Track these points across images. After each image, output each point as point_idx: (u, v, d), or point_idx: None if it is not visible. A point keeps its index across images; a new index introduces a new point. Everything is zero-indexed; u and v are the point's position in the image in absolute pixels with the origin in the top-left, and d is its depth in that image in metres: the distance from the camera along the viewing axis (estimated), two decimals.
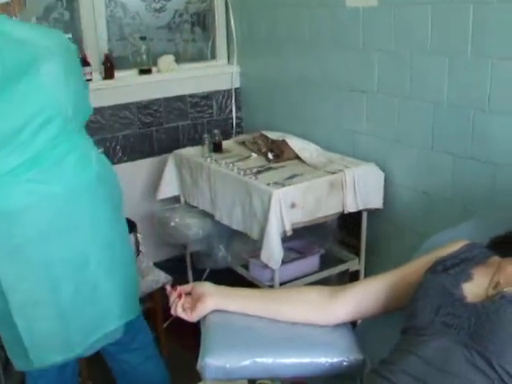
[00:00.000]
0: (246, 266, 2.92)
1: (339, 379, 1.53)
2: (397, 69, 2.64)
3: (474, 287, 1.40)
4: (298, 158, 2.92)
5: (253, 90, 3.59)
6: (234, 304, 1.66)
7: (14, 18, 2.00)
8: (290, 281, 2.75)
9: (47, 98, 1.84)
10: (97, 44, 3.42)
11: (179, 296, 1.66)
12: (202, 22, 3.76)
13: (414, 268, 1.61)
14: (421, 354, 1.31)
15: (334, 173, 2.68)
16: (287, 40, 3.27)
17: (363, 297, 1.62)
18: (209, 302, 1.64)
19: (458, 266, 1.49)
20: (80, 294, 2.01)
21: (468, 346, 1.27)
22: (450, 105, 2.44)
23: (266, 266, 2.61)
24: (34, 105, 1.81)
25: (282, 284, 2.68)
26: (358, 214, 2.82)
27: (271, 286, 2.68)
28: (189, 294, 1.69)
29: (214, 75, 3.70)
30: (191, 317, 1.65)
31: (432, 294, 1.41)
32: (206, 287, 1.69)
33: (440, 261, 1.53)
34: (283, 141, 2.97)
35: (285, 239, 2.58)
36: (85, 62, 3.28)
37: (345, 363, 1.53)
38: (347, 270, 2.91)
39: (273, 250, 2.50)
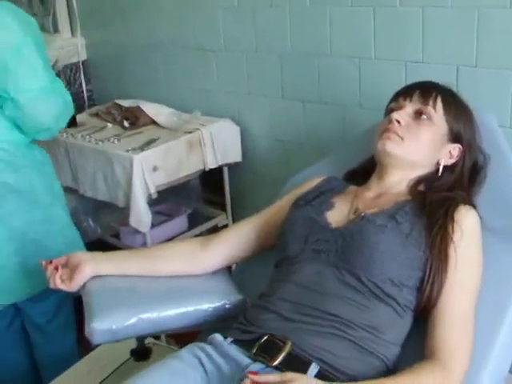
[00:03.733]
0: (116, 236, 2.92)
1: (226, 321, 1.59)
2: (241, 24, 2.70)
3: (336, 214, 1.52)
4: (154, 122, 2.93)
5: (101, 60, 3.52)
6: (111, 267, 1.69)
7: None
8: (163, 242, 2.77)
9: None
10: None
11: (56, 268, 1.66)
12: None
13: (279, 207, 1.71)
14: (296, 280, 1.42)
15: (190, 132, 2.72)
16: (131, 6, 3.24)
17: (233, 241, 1.71)
18: (86, 269, 1.66)
19: (319, 197, 1.61)
20: None
21: (338, 267, 1.39)
22: (295, 54, 2.53)
23: (136, 232, 2.64)
24: None
25: None
26: (219, 170, 2.89)
27: None
28: (65, 265, 1.70)
29: (59, 49, 3.59)
30: (70, 286, 1.66)
31: (299, 226, 1.51)
32: (82, 255, 1.71)
33: (301, 196, 1.64)
34: (137, 107, 2.97)
35: (151, 204, 2.60)
36: None
37: (227, 305, 1.61)
38: (216, 225, 2.98)
39: (141, 214, 2.52)
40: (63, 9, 3.64)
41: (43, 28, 3.64)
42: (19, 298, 2.29)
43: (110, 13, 3.39)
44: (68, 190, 2.91)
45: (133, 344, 1.84)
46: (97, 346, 1.95)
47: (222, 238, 1.72)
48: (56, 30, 3.68)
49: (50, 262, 1.68)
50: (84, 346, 2.35)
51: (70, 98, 2.23)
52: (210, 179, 2.98)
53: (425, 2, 2.11)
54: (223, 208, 3.02)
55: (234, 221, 3.00)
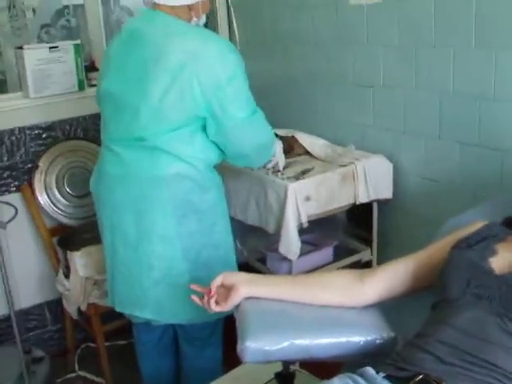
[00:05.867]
0: (261, 260, 2.98)
1: (373, 357, 1.60)
2: (402, 62, 2.71)
3: (500, 261, 1.50)
4: (307, 153, 3.00)
5: (258, 89, 3.61)
6: (265, 290, 1.74)
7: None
8: (307, 272, 2.80)
9: None
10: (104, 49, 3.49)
11: (209, 293, 1.75)
12: (205, 24, 3.80)
13: (438, 248, 1.70)
14: (455, 324, 1.40)
15: (344, 165, 2.76)
16: (291, 39, 3.34)
17: (392, 278, 1.70)
18: (242, 289, 1.72)
19: (481, 242, 1.59)
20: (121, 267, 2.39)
21: (501, 315, 1.36)
22: (456, 95, 2.52)
23: (283, 259, 2.68)
24: None
25: None
26: (368, 205, 2.89)
27: None
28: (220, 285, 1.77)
29: None
30: (225, 307, 1.74)
31: (461, 268, 1.50)
32: (238, 276, 1.78)
33: (463, 239, 1.63)
34: (292, 137, 3.04)
35: (299, 233, 2.63)
36: (93, 68, 3.36)
37: (378, 341, 1.62)
38: (360, 260, 2.98)
39: (291, 242, 2.57)
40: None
41: None
42: (181, 320, 2.41)
43: (270, 44, 3.51)
44: None
45: (277, 367, 1.88)
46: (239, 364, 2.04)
47: (380, 274, 1.73)
48: None
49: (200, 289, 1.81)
50: (227, 364, 2.46)
51: (268, 130, 2.43)
52: (356, 213, 2.99)
53: None
54: (368, 243, 3.01)
55: (379, 257, 3.00)
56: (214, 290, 1.75)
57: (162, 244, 2.28)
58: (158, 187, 2.24)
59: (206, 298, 1.76)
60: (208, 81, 2.14)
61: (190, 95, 2.14)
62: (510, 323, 1.34)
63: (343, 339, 1.61)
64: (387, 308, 1.77)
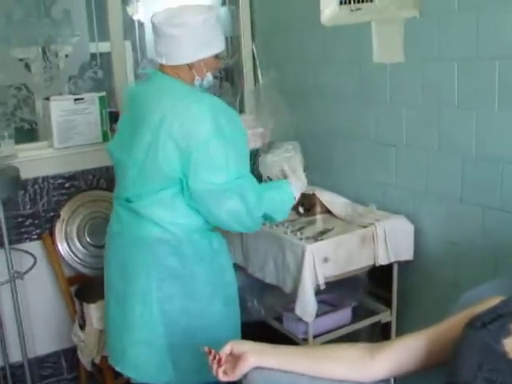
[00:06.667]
0: (278, 319, 2.93)
1: None
2: (425, 123, 2.69)
3: None
4: (328, 211, 2.97)
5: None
6: (275, 361, 1.69)
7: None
8: (324, 333, 2.75)
9: None
10: None
11: (219, 361, 1.69)
12: (231, 77, 3.85)
13: (452, 324, 1.64)
14: None
15: (365, 226, 2.72)
16: (315, 94, 3.35)
17: (402, 354, 1.65)
18: (251, 359, 1.68)
19: (497, 321, 1.53)
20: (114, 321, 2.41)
21: None
22: (479, 157, 2.48)
23: (300, 320, 2.62)
24: None
25: (315, 337, 2.70)
26: (389, 265, 2.84)
27: (305, 339, 2.69)
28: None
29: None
30: (233, 376, 1.69)
31: (474, 350, 1.44)
32: (247, 345, 1.73)
33: (478, 316, 1.57)
34: (313, 194, 3.02)
35: (317, 292, 2.60)
36: (118, 119, 3.38)
37: None
38: (379, 321, 2.92)
39: (307, 304, 2.53)
40: (250, 91, 3.82)
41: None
42: (159, 381, 2.35)
43: (294, 98, 3.50)
44: (236, 266, 2.98)
45: None
46: None
47: (390, 350, 1.67)
48: (242, 110, 3.88)
49: (210, 352, 1.71)
50: None
51: (253, 198, 2.22)
52: (377, 273, 2.94)
53: None
54: (388, 304, 2.95)
55: (398, 319, 2.93)
56: (223, 359, 1.70)
57: (141, 305, 2.28)
58: (142, 249, 2.25)
59: (211, 359, 1.70)
60: (182, 140, 2.10)
61: (163, 153, 2.11)
62: None
63: None
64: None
